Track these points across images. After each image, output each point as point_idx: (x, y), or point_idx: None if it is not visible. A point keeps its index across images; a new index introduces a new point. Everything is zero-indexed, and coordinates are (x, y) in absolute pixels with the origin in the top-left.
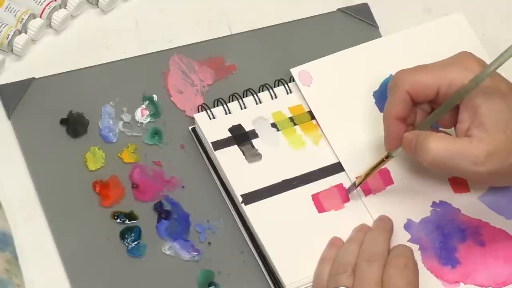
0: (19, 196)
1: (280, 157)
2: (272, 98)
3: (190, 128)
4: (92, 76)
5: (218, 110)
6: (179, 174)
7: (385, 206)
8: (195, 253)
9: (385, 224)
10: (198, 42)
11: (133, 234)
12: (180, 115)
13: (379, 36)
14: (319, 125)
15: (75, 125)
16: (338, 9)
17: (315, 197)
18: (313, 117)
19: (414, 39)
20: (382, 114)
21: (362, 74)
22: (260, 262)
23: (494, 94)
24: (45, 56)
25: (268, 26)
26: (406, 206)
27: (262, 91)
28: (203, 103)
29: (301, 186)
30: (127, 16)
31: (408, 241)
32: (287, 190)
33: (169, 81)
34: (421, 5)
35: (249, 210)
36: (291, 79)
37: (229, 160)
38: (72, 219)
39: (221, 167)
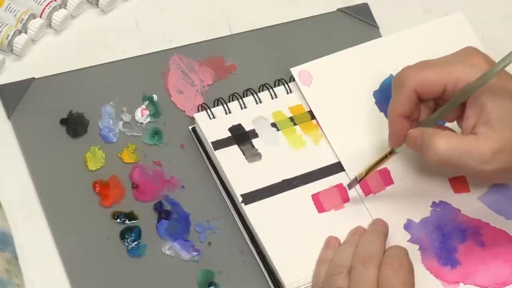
0: (19, 196)
1: (280, 157)
2: (272, 98)
3: (190, 128)
4: (92, 76)
5: (218, 110)
6: (179, 174)
7: (385, 206)
8: (195, 253)
9: (379, 226)
10: (198, 42)
11: (133, 234)
12: (180, 115)
13: (379, 36)
14: (319, 125)
15: (75, 125)
16: (338, 9)
17: (315, 197)
18: (313, 117)
19: (414, 39)
20: (382, 114)
21: (362, 74)
22: (260, 262)
23: (501, 92)
24: (45, 56)
25: (268, 26)
26: (406, 206)
27: (262, 91)
28: (203, 103)
29: (301, 186)
30: (127, 16)
31: (408, 241)
32: (287, 190)
33: (169, 81)
34: (421, 5)
35: (249, 210)
36: (291, 79)
37: (229, 160)
38: (72, 219)
39: (221, 167)
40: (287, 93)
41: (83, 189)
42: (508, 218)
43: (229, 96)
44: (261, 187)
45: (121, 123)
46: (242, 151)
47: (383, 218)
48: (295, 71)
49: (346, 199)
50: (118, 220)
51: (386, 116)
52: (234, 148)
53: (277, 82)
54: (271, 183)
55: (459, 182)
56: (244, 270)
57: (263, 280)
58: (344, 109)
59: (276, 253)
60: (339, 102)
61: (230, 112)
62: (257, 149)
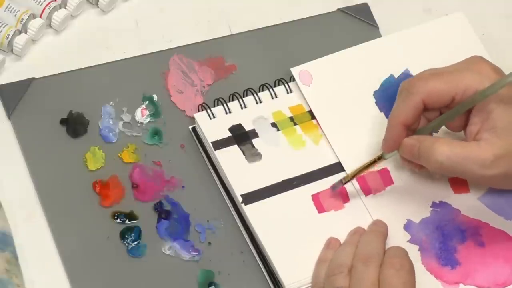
0: (19, 196)
1: (280, 157)
2: (272, 98)
3: (190, 127)
4: (92, 76)
5: (218, 110)
6: (179, 174)
7: (385, 206)
8: (195, 253)
9: (379, 227)
10: (198, 42)
11: (133, 234)
12: (180, 115)
13: (379, 36)
14: (319, 124)
15: (75, 125)
16: (338, 9)
17: (315, 197)
18: (313, 117)
19: (414, 39)
20: (382, 114)
21: (362, 74)
22: (260, 262)
23: (509, 100)
24: (45, 56)
25: (268, 26)
26: (406, 207)
27: (262, 90)
28: (203, 103)
29: (301, 186)
30: (127, 16)
31: (408, 241)
32: (287, 190)
33: (169, 81)
34: (421, 5)
35: (249, 210)
36: (291, 78)
37: (229, 159)
38: (72, 219)
39: (221, 167)
40: (287, 93)
41: (83, 189)
42: (508, 219)
43: (229, 96)
44: (261, 187)
45: (121, 123)
46: (242, 151)
47: (383, 219)
48: (295, 71)
49: (346, 199)
50: (118, 220)
51: (386, 116)
52: (234, 148)
53: (277, 82)
54: (271, 183)
55: (459, 183)
56: (244, 270)
57: (263, 280)
58: (344, 109)
59: (276, 253)
60: (339, 102)
61: (230, 112)
62: (257, 149)
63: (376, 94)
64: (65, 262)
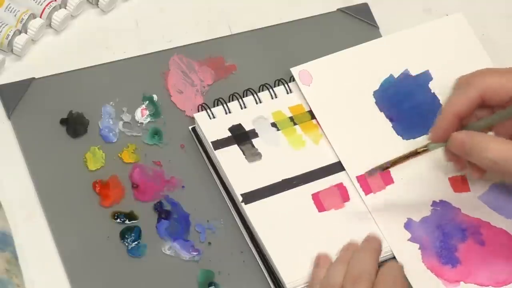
0: (19, 196)
1: (280, 156)
2: (272, 98)
3: (190, 128)
4: (92, 76)
5: (218, 110)
6: (179, 174)
7: (385, 205)
8: (195, 253)
9: (371, 243)
10: (198, 42)
11: (133, 234)
12: (180, 115)
13: (379, 36)
14: (319, 124)
15: (75, 125)
16: (338, 9)
17: (315, 196)
18: (313, 117)
19: (414, 39)
20: (382, 113)
21: (362, 74)
22: (260, 262)
23: None
24: (45, 56)
25: (268, 26)
26: (406, 206)
27: (262, 90)
28: (203, 103)
29: (301, 185)
30: (127, 16)
31: (408, 240)
32: (287, 190)
33: (169, 81)
34: (421, 5)
35: (249, 210)
36: (291, 78)
37: (229, 159)
38: (72, 219)
39: (221, 167)
40: (287, 93)
41: (83, 189)
42: (508, 217)
43: (229, 96)
44: (261, 186)
45: (121, 123)
46: (242, 151)
47: (383, 217)
48: (295, 71)
49: (346, 199)
50: (118, 220)
51: (386, 116)
52: (234, 148)
53: (277, 82)
54: (271, 183)
55: (459, 182)
56: (244, 270)
57: (263, 280)
58: (344, 109)
59: (276, 252)
60: (339, 102)
61: (230, 112)
62: (257, 149)
63: (376, 94)
64: (65, 262)
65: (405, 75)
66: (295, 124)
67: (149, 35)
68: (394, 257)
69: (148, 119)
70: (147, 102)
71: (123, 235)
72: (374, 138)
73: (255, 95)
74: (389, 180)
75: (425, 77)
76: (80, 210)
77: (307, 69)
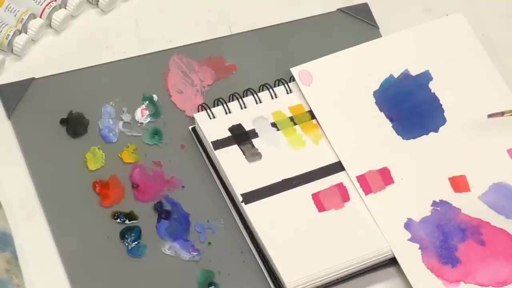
0: (19, 196)
1: (280, 156)
2: (272, 98)
3: (190, 128)
4: (92, 76)
5: (218, 110)
6: (179, 174)
7: (385, 205)
8: (195, 253)
9: None
10: (198, 42)
11: (133, 234)
12: (180, 115)
13: (379, 36)
14: (319, 124)
15: (75, 125)
16: (338, 9)
17: (315, 196)
18: (313, 117)
19: (414, 39)
20: (382, 113)
21: (362, 74)
22: (260, 262)
23: None
24: (45, 56)
25: (268, 26)
26: (406, 205)
27: (262, 90)
28: (203, 103)
29: (301, 185)
30: (127, 16)
31: (408, 240)
32: (287, 190)
33: (169, 81)
34: (421, 5)
35: (249, 209)
36: (291, 79)
37: (229, 159)
38: (72, 219)
39: (221, 167)
40: (287, 93)
41: (83, 189)
42: (508, 218)
43: (229, 96)
44: (261, 186)
45: (121, 123)
46: (242, 151)
47: (383, 217)
48: (295, 71)
49: (346, 198)
50: (118, 220)
51: (386, 116)
52: (234, 148)
53: (277, 82)
54: (271, 183)
55: (460, 181)
56: (244, 270)
57: (263, 280)
58: (344, 109)
59: (277, 252)
60: (339, 102)
61: (230, 112)
62: (257, 149)
63: (376, 94)
64: (65, 262)
65: (405, 75)
66: (295, 124)
67: (149, 35)
68: (394, 257)
69: (148, 119)
70: (147, 102)
71: (123, 235)
72: (374, 138)
73: (255, 95)
74: (389, 180)
75: (425, 77)
76: (80, 210)
77: (307, 69)
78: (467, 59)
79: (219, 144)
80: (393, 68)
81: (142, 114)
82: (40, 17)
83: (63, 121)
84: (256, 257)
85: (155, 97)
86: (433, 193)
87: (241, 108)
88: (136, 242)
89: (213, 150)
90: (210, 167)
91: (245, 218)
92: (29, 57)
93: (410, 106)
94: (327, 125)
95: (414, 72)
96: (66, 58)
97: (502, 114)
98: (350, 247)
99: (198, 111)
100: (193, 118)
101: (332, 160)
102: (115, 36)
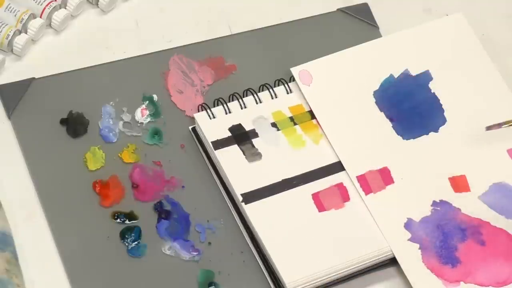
0: (19, 196)
1: (280, 156)
2: (272, 98)
3: (190, 128)
4: (92, 76)
5: (218, 110)
6: (179, 174)
7: (385, 205)
8: (195, 253)
9: None
10: (198, 42)
11: (133, 234)
12: (180, 115)
13: (379, 36)
14: (319, 124)
15: (75, 125)
16: (338, 9)
17: (315, 196)
18: (313, 117)
19: (414, 39)
20: (382, 113)
21: (362, 74)
22: (260, 262)
23: None
24: (45, 56)
25: (268, 26)
26: (406, 205)
27: (262, 90)
28: (203, 103)
29: (301, 185)
30: (127, 16)
31: (408, 240)
32: (287, 189)
33: (169, 81)
34: (421, 5)
35: (249, 209)
36: (291, 79)
37: (229, 159)
38: (72, 219)
39: (221, 167)
40: (287, 93)
41: (83, 189)
42: (508, 218)
43: (229, 96)
44: (261, 186)
45: (121, 123)
46: (242, 151)
47: (383, 217)
48: (295, 71)
49: (346, 198)
50: (118, 220)
51: (386, 116)
52: (234, 148)
53: (277, 82)
54: (271, 183)
55: (460, 181)
56: (244, 270)
57: (263, 280)
58: (344, 109)
59: (277, 252)
60: (339, 102)
61: (230, 112)
62: (257, 149)
63: (376, 94)
64: (65, 262)
65: (405, 75)
66: (295, 124)
67: (149, 35)
68: (394, 257)
69: (148, 119)
70: (147, 102)
71: (123, 235)
72: (374, 138)
73: (255, 95)
74: (389, 180)
75: (425, 77)
76: (80, 210)
77: (307, 69)
78: (467, 59)
79: (219, 144)
80: (393, 68)
81: (142, 114)
82: (40, 17)
83: (63, 121)
84: (256, 257)
85: (155, 97)
86: (433, 193)
87: (241, 108)
88: (136, 242)
89: (213, 150)
90: (210, 167)
91: (245, 218)
92: (29, 57)
93: (410, 106)
94: (327, 125)
95: (414, 72)
96: (66, 58)
97: (499, 126)
98: (350, 247)
99: (198, 111)
100: (193, 118)
101: (332, 160)
102: (115, 36)
